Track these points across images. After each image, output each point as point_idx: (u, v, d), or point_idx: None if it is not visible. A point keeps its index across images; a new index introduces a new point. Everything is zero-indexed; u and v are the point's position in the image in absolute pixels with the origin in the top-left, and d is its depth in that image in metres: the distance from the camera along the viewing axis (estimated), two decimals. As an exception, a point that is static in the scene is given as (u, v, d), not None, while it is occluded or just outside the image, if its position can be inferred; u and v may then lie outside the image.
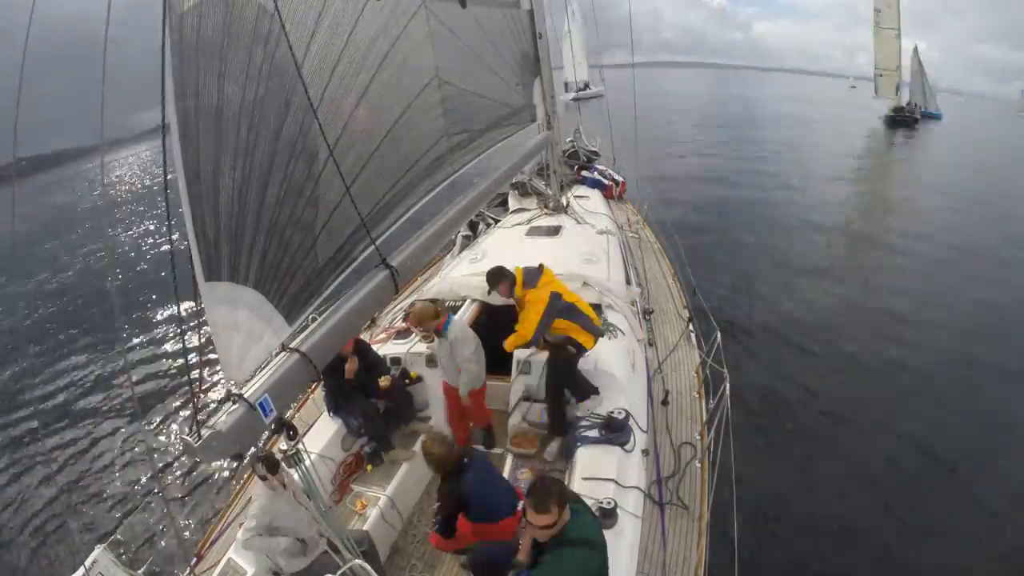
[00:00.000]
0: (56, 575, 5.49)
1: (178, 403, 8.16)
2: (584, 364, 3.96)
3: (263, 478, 2.80)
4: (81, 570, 2.86)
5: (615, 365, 4.00)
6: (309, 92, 2.15)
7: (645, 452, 3.62)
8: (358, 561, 2.27)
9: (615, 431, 3.47)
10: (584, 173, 9.34)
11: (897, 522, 5.18)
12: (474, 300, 4.95)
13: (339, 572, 2.22)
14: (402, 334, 4.77)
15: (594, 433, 3.51)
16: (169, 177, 1.72)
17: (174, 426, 7.65)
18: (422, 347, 4.48)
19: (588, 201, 7.70)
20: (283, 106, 2.14)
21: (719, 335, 4.74)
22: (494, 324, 4.95)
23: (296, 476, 2.26)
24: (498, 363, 4.33)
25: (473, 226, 7.80)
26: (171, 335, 10.60)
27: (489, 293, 4.09)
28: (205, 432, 1.72)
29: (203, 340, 1.82)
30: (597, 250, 5.64)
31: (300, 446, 2.14)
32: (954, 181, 20.99)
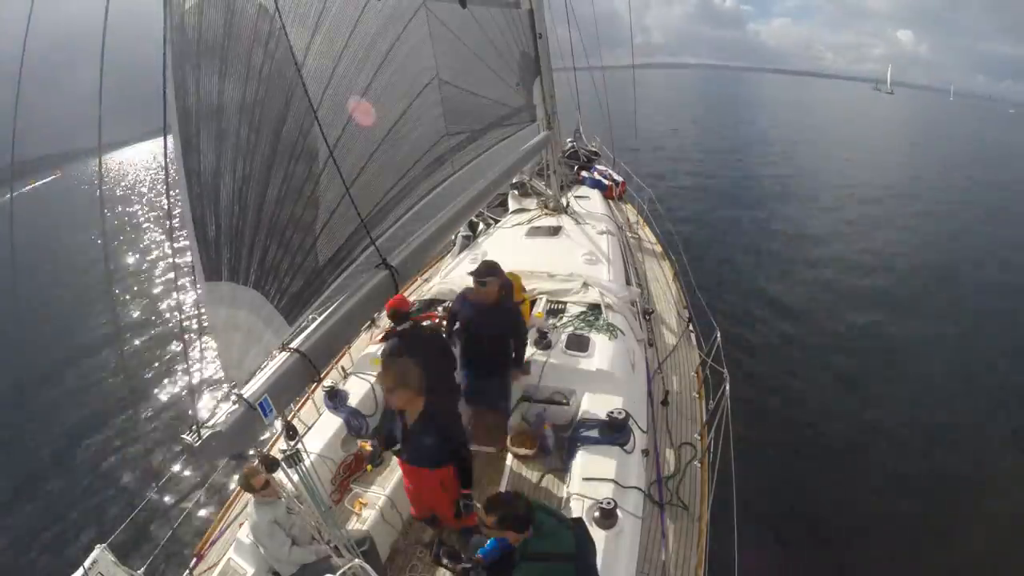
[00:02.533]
0: (56, 575, 5.49)
1: (178, 403, 8.16)
2: (585, 364, 3.96)
3: (247, 488, 2.78)
4: (81, 570, 2.84)
5: (615, 365, 3.99)
6: (309, 92, 2.15)
7: (645, 452, 3.62)
8: (358, 561, 2.27)
9: (615, 431, 3.46)
10: (584, 173, 9.33)
11: (898, 521, 5.18)
12: None
13: (339, 572, 2.22)
14: (402, 334, 4.75)
15: (594, 433, 3.51)
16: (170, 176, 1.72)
17: (174, 426, 7.65)
18: None
19: (588, 201, 7.70)
20: (283, 106, 2.14)
21: (719, 335, 4.74)
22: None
23: (296, 477, 2.26)
24: None
25: (473, 226, 7.78)
26: (171, 335, 10.61)
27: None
28: (205, 432, 1.72)
29: (203, 340, 1.82)
30: (597, 250, 5.64)
31: (300, 446, 2.14)
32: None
